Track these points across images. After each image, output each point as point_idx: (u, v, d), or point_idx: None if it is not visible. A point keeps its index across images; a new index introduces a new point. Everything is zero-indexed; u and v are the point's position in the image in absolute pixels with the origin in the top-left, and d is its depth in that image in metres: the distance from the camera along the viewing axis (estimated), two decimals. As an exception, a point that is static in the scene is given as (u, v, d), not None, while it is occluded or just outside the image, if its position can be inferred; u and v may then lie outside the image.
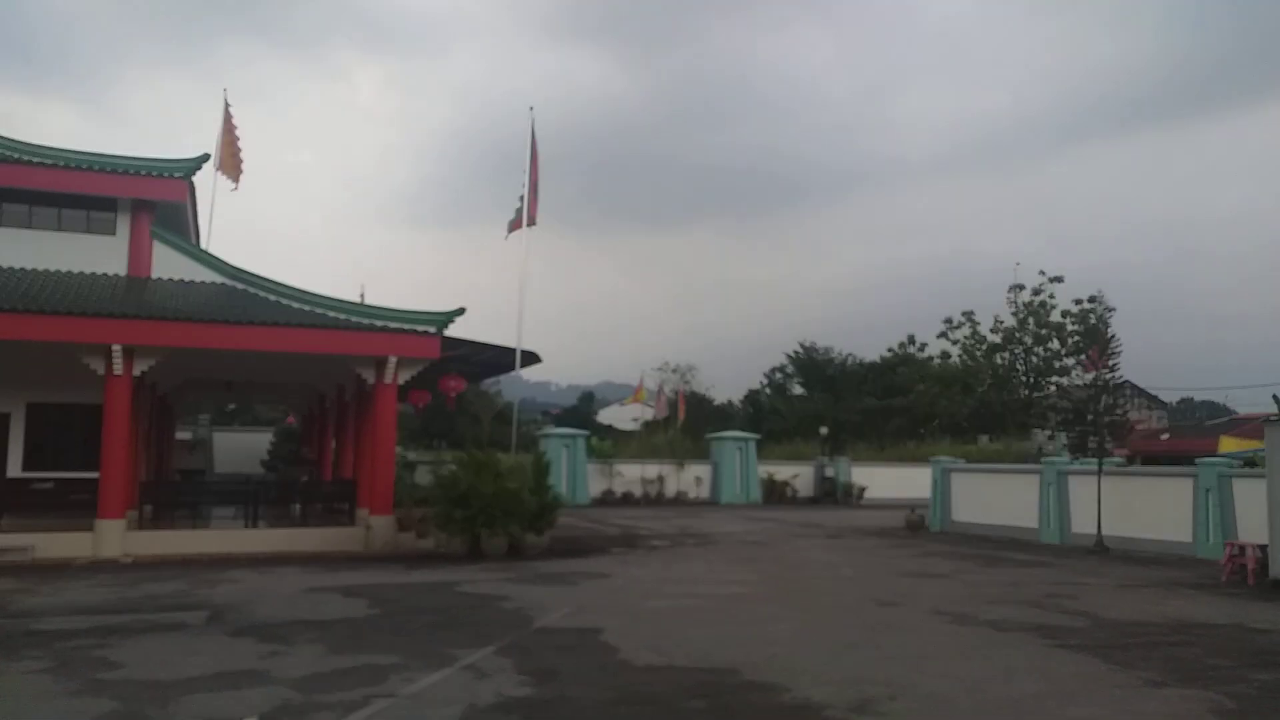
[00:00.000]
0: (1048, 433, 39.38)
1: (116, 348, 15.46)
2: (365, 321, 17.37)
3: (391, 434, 18.07)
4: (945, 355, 54.80)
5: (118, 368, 15.59)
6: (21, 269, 17.42)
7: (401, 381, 17.87)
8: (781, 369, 62.28)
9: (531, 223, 23.28)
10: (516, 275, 22.54)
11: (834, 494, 35.85)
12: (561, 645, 8.74)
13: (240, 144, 23.15)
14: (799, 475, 36.39)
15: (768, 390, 61.76)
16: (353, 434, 22.21)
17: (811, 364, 59.40)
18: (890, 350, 58.67)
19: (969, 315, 53.70)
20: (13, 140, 17.81)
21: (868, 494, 35.60)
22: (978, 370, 51.79)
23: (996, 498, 22.35)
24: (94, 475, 16.03)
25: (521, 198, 23.54)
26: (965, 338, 53.83)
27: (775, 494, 35.34)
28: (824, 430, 40.59)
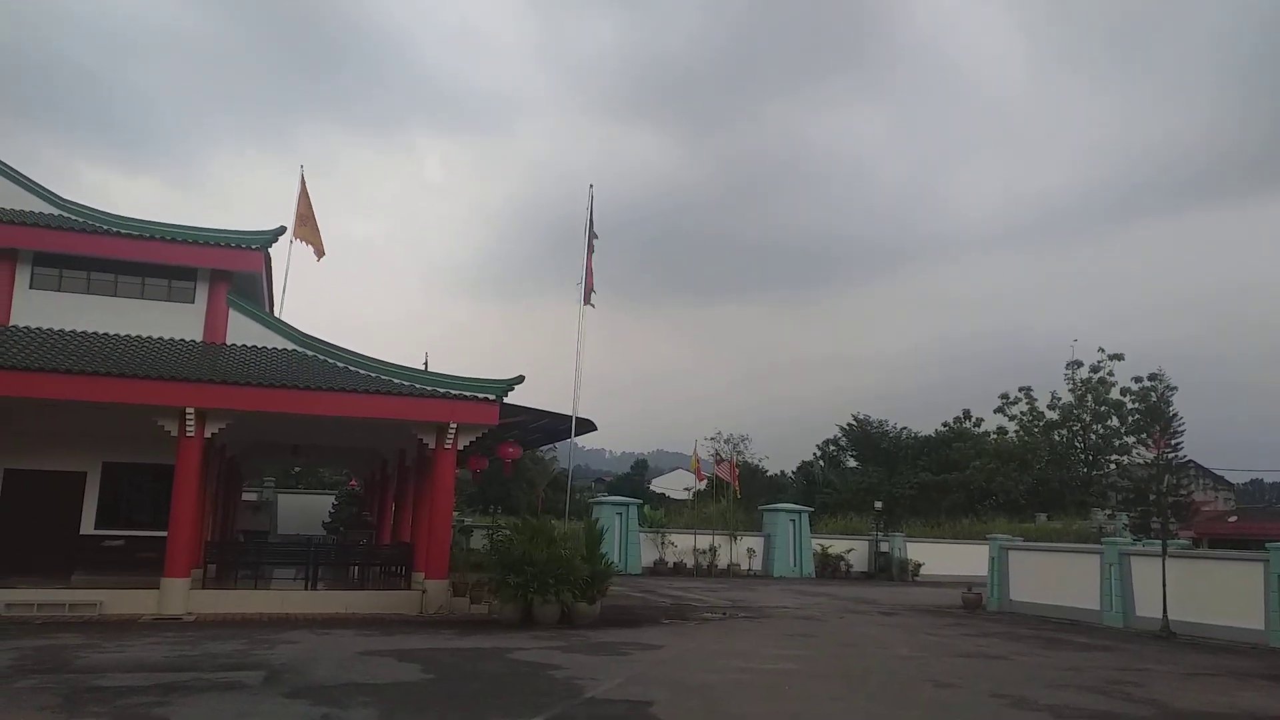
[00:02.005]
0: (1108, 512, 38.32)
1: (190, 410, 16.09)
2: (428, 388, 17.83)
3: (449, 499, 18.37)
4: (1002, 431, 53.91)
5: (190, 430, 16.19)
6: (106, 334, 18.28)
7: (461, 447, 18.24)
8: (835, 441, 61.67)
9: (588, 303, 23.80)
10: (573, 345, 22.90)
11: (889, 570, 35.17)
12: (610, 716, 8.75)
13: (315, 217, 24.13)
14: (853, 550, 35.82)
15: (821, 462, 61.12)
16: (412, 498, 22.59)
17: (865, 437, 58.74)
18: (945, 425, 57.90)
19: (1026, 391, 52.96)
20: (103, 213, 18.88)
21: (923, 570, 34.86)
22: (1035, 447, 50.79)
23: (1056, 577, 21.78)
24: (162, 534, 16.55)
25: (586, 269, 24.10)
26: (1022, 414, 53.01)
27: (829, 568, 34.79)
28: (878, 505, 40.00)
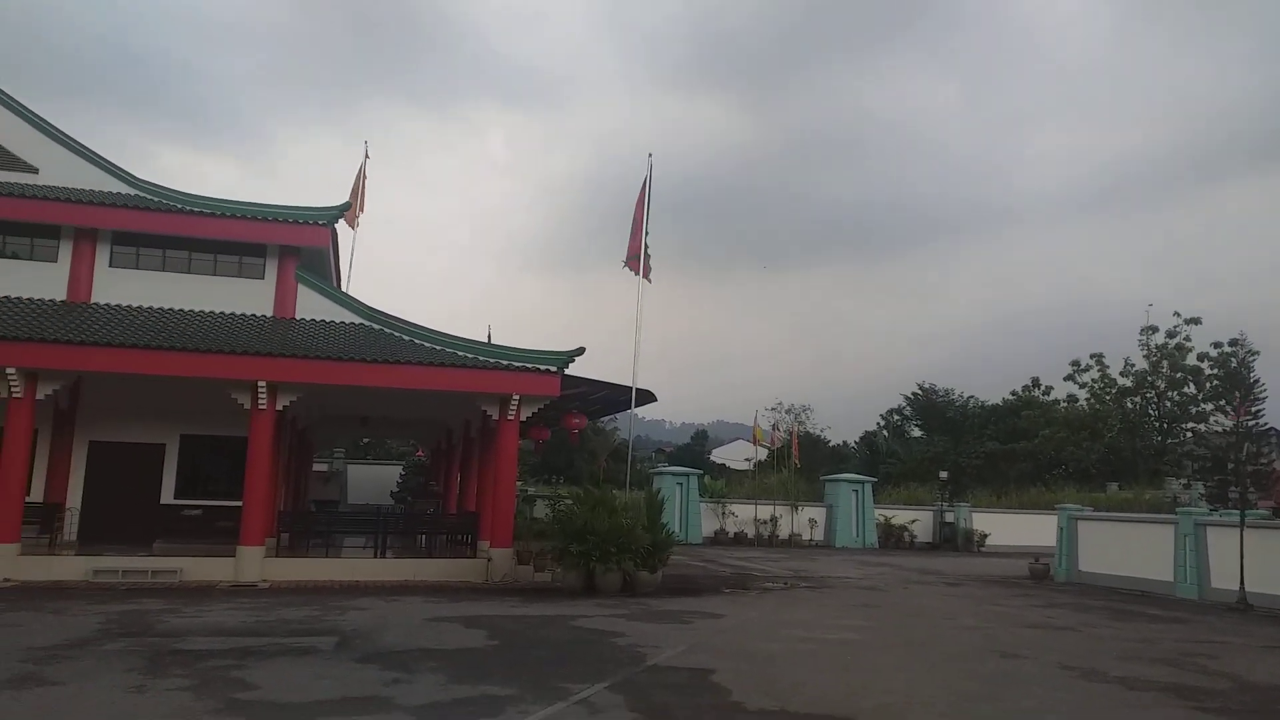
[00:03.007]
0: (1183, 481, 37.25)
1: (262, 384, 16.55)
2: (491, 361, 18.06)
3: (513, 469, 18.64)
4: (1072, 399, 52.64)
5: (262, 403, 16.67)
6: (181, 310, 18.87)
7: (523, 418, 18.48)
8: (899, 411, 60.96)
9: (646, 277, 23.74)
10: (632, 315, 22.94)
11: (953, 540, 34.77)
12: (673, 684, 8.84)
13: (364, 191, 24.44)
14: (917, 520, 35.47)
15: (885, 432, 60.50)
16: (477, 468, 22.98)
17: (930, 406, 57.93)
18: (1013, 393, 56.77)
19: (1098, 358, 51.56)
20: (177, 192, 19.43)
21: (989, 541, 34.38)
22: (1107, 415, 49.52)
23: (1128, 548, 21.30)
24: (237, 504, 17.11)
25: (639, 236, 24.04)
26: (1093, 381, 51.66)
27: (892, 539, 34.53)
28: (943, 474, 39.48)
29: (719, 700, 8.22)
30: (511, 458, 18.52)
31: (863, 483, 35.39)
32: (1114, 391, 50.68)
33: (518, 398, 18.01)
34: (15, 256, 18.68)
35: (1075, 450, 48.03)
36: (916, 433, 58.59)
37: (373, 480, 41.36)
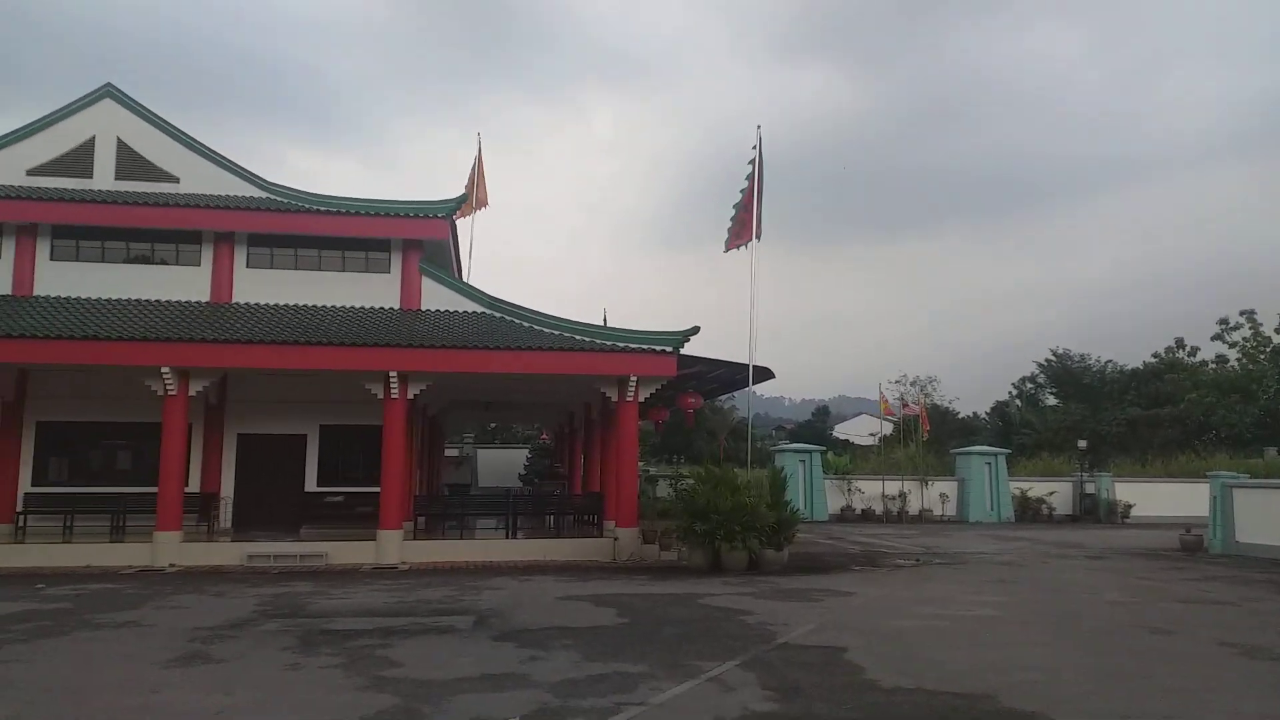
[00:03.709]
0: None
1: (393, 374, 17.19)
2: (607, 343, 18.25)
3: (634, 449, 18.82)
4: (1221, 360, 49.40)
5: (394, 392, 17.31)
6: (313, 306, 19.76)
7: (641, 399, 18.60)
8: (1032, 379, 58.55)
9: (756, 237, 23.39)
10: (747, 292, 22.72)
11: (1095, 512, 33.25)
12: (805, 662, 8.75)
13: (482, 180, 24.94)
14: (1055, 492, 34.08)
15: (1017, 402, 58.22)
16: (599, 449, 23.28)
17: (1065, 372, 55.40)
18: (1155, 355, 53.74)
19: (1249, 315, 48.16)
20: (303, 192, 20.35)
21: (1134, 512, 32.75)
22: (1261, 375, 46.23)
23: (1293, 518, 19.88)
24: (375, 489, 17.88)
25: (738, 213, 23.75)
26: (1245, 340, 48.30)
27: (1029, 512, 33.29)
28: (1082, 443, 37.75)
29: (853, 678, 8.10)
30: (632, 438, 18.69)
31: (996, 454, 34.22)
32: (1269, 350, 47.29)
33: (635, 379, 18.14)
34: (162, 262, 19.93)
35: (1227, 414, 45.09)
36: (1051, 401, 56.15)
37: (501, 463, 42.53)
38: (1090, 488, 34.10)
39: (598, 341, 18.32)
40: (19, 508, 18.74)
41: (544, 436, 45.26)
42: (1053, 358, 56.90)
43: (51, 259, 19.55)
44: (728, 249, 23.63)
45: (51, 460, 19.90)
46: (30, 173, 19.95)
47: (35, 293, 19.24)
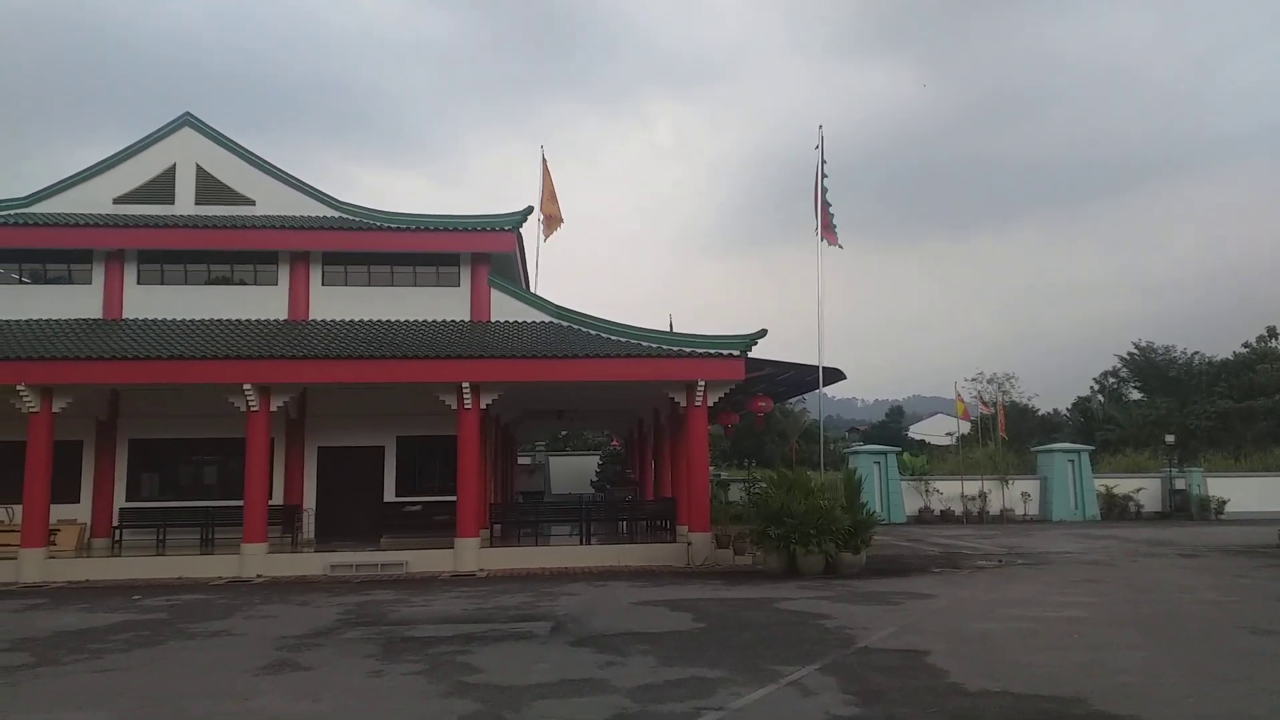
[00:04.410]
0: None
1: (466, 385, 17.45)
2: (674, 349, 18.25)
3: (704, 454, 18.76)
4: (1319, 348, 47.22)
5: (468, 402, 17.57)
6: (386, 321, 20.19)
7: (710, 403, 18.55)
8: (1115, 373, 56.80)
9: (830, 235, 23.14)
10: (814, 293, 22.50)
11: (1186, 508, 32.06)
12: (886, 666, 8.60)
13: (554, 196, 25.19)
14: (1142, 489, 32.95)
15: (1100, 397, 56.50)
16: (669, 454, 23.29)
17: (1150, 366, 53.58)
18: (1245, 345, 51.55)
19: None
20: (373, 210, 20.83)
21: (1228, 508, 31.48)
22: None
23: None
24: (452, 498, 18.16)
25: (819, 212, 23.52)
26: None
27: (1115, 509, 32.26)
28: (1169, 438, 36.45)
29: (936, 682, 7.93)
30: (702, 443, 18.63)
31: (1079, 451, 33.26)
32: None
33: (703, 383, 18.10)
34: (241, 282, 20.59)
35: (1326, 404, 43.09)
36: (1136, 395, 54.37)
37: (573, 470, 42.82)
38: (1180, 483, 32.90)
39: (664, 347, 18.33)
40: (115, 522, 19.52)
41: (614, 443, 45.45)
42: (1135, 351, 55.15)
43: (138, 283, 20.35)
44: (822, 238, 23.33)
45: (144, 476, 20.70)
46: (117, 200, 20.81)
47: (124, 315, 20.04)
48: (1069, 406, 59.41)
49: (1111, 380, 57.17)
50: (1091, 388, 58.82)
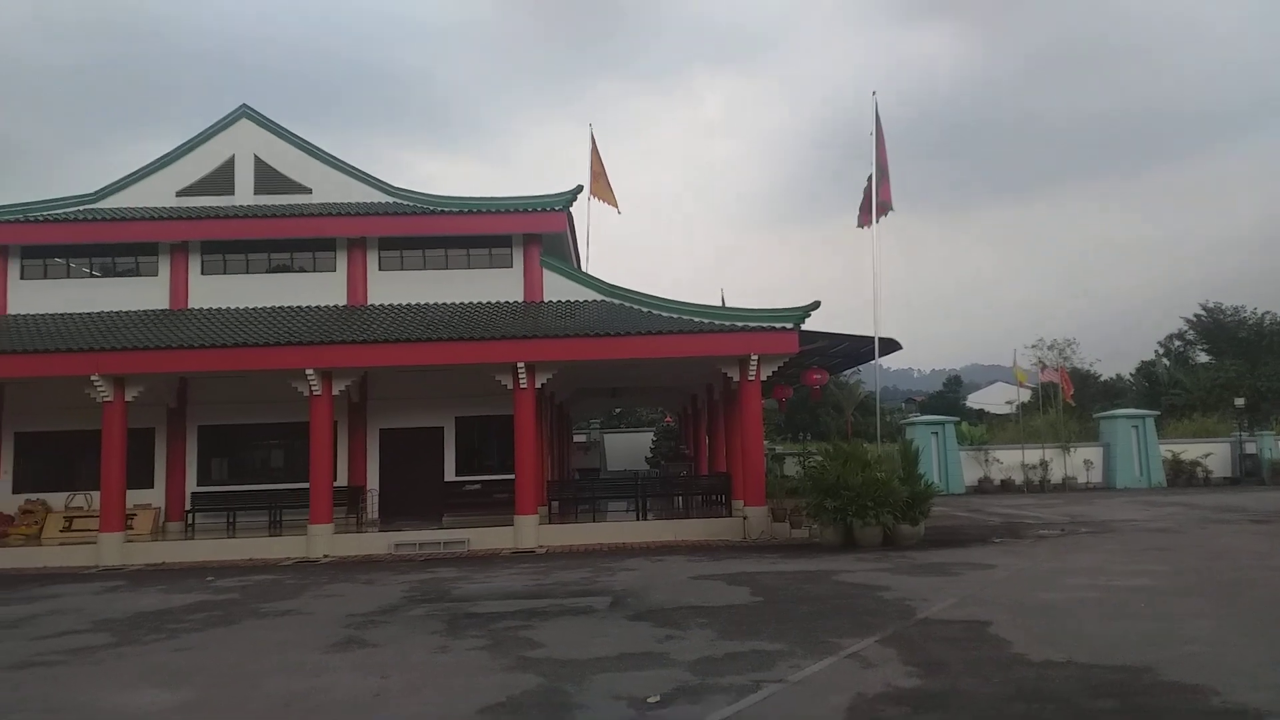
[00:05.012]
0: None
1: (521, 364, 17.64)
2: (726, 323, 18.20)
3: (758, 428, 18.74)
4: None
5: (523, 382, 17.77)
6: (441, 304, 20.45)
7: (764, 377, 18.50)
8: (1180, 335, 55.25)
9: (886, 209, 22.81)
10: (870, 264, 22.23)
11: (1258, 473, 31.14)
12: (948, 637, 8.56)
13: (607, 172, 25.20)
14: (1211, 454, 32.05)
15: (1165, 361, 55.03)
16: (723, 429, 23.30)
17: (1218, 327, 51.99)
18: (1322, 303, 49.74)
19: None
20: (428, 195, 21.08)
21: (1304, 472, 30.51)
22: None
23: None
24: (510, 477, 18.42)
25: (869, 185, 23.19)
26: None
27: (1182, 476, 31.46)
28: (1239, 401, 35.37)
29: (999, 653, 7.89)
30: (756, 417, 18.61)
31: (1143, 417, 32.46)
32: None
33: (756, 358, 18.05)
34: (301, 269, 21.00)
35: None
36: (1203, 358, 52.83)
37: (627, 447, 43.07)
38: (1251, 448, 31.94)
39: (716, 322, 18.29)
40: (187, 506, 20.17)
41: (668, 419, 45.57)
42: (1203, 312, 53.54)
43: (202, 273, 20.87)
44: (860, 225, 23.12)
45: (213, 461, 21.34)
46: (179, 194, 21.33)
47: (190, 305, 20.59)
48: (1132, 371, 57.98)
49: (1177, 343, 55.63)
50: (1156, 351, 57.32)
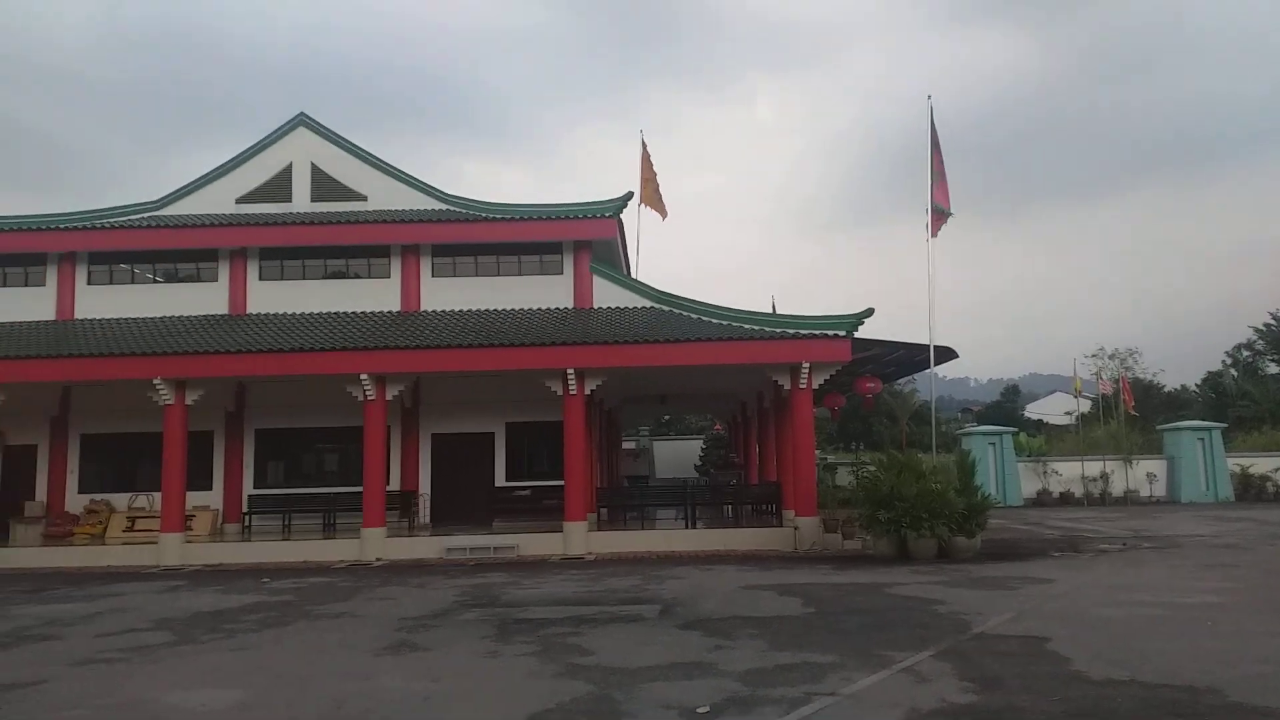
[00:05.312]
0: None
1: (570, 371, 17.68)
2: (777, 330, 18.06)
3: (810, 437, 18.55)
4: None
5: (573, 388, 17.81)
6: (493, 310, 20.61)
7: (815, 386, 18.31)
8: (1249, 345, 53.53)
9: (945, 215, 22.44)
10: (925, 269, 21.90)
11: (1333, 489, 30.02)
12: (1004, 652, 8.36)
13: (658, 178, 25.20)
14: (1282, 468, 31.01)
15: (1233, 371, 53.38)
16: (774, 438, 23.11)
17: (1289, 336, 50.28)
18: (1399, 313, 47.87)
19: None
20: (481, 202, 21.31)
21: (1383, 488, 29.33)
22: None
23: None
24: (559, 483, 18.46)
25: (931, 192, 22.85)
26: None
27: (1251, 490, 30.44)
28: (1312, 413, 34.18)
29: (1058, 669, 7.66)
30: (808, 426, 18.42)
31: (1210, 429, 31.50)
32: None
33: (808, 365, 17.86)
34: (356, 276, 21.34)
35: None
36: (1273, 369, 51.14)
37: (676, 454, 42.95)
38: (1325, 463, 30.83)
39: (767, 329, 18.16)
40: (244, 508, 20.57)
41: (717, 427, 45.38)
42: (1273, 321, 51.84)
43: (260, 279, 21.32)
44: (934, 234, 22.74)
45: (270, 464, 21.75)
46: (239, 201, 21.83)
47: (248, 311, 21.03)
48: (1198, 382, 56.34)
49: (1246, 354, 53.91)
50: (1223, 361, 55.61)
